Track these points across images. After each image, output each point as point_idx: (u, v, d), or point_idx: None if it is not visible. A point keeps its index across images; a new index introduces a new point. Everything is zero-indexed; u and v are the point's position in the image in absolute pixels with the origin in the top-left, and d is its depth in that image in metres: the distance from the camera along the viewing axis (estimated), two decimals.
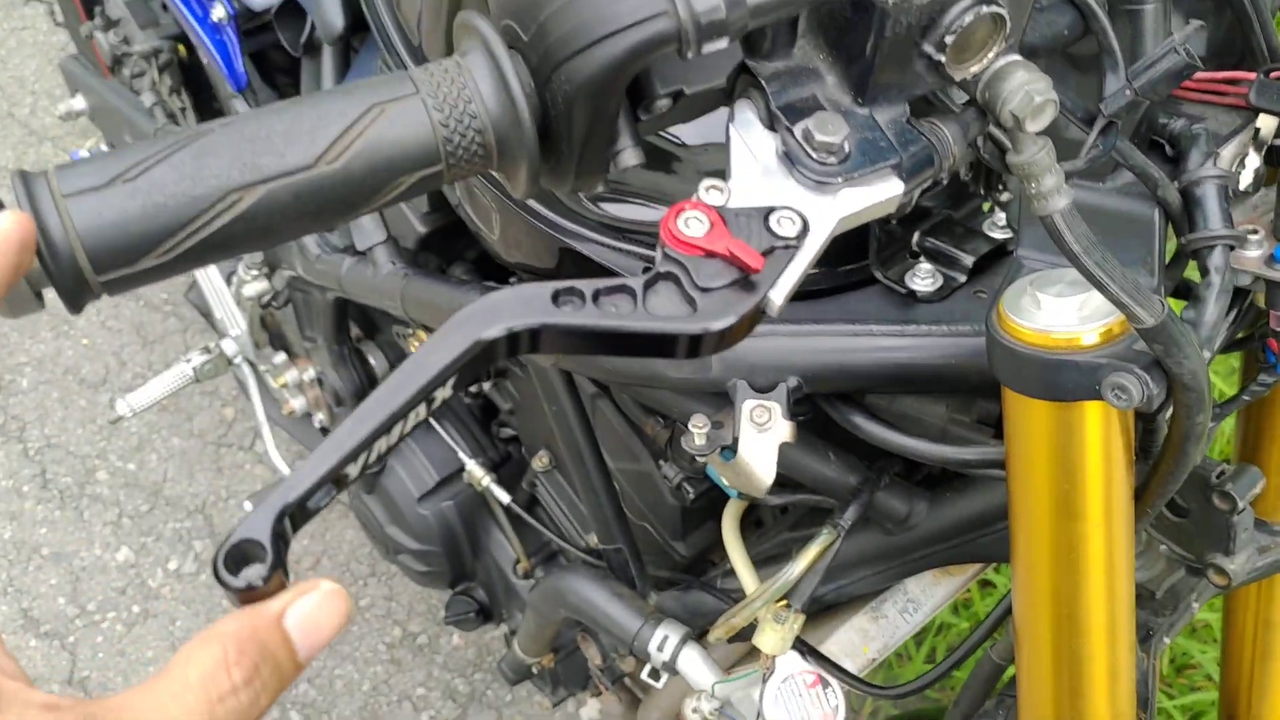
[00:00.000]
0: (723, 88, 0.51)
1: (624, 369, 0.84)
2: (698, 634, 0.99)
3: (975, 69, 0.50)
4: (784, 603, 0.87)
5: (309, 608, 0.42)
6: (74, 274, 0.44)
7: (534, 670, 1.40)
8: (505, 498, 1.29)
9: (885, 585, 0.99)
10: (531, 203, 0.84)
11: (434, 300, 1.03)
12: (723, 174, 0.50)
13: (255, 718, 0.40)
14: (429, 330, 1.21)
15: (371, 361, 1.44)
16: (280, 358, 1.57)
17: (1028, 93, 0.48)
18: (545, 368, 1.00)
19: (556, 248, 0.85)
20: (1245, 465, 0.72)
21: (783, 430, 0.73)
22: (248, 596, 0.41)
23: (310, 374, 1.52)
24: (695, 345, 0.47)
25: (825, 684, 0.88)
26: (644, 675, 1.05)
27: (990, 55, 0.49)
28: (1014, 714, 0.74)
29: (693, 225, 0.47)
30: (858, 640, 1.02)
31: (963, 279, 0.76)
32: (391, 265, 1.09)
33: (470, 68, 0.47)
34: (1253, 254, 0.64)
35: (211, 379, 1.64)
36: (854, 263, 0.78)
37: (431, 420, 1.35)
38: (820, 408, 0.80)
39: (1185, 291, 0.73)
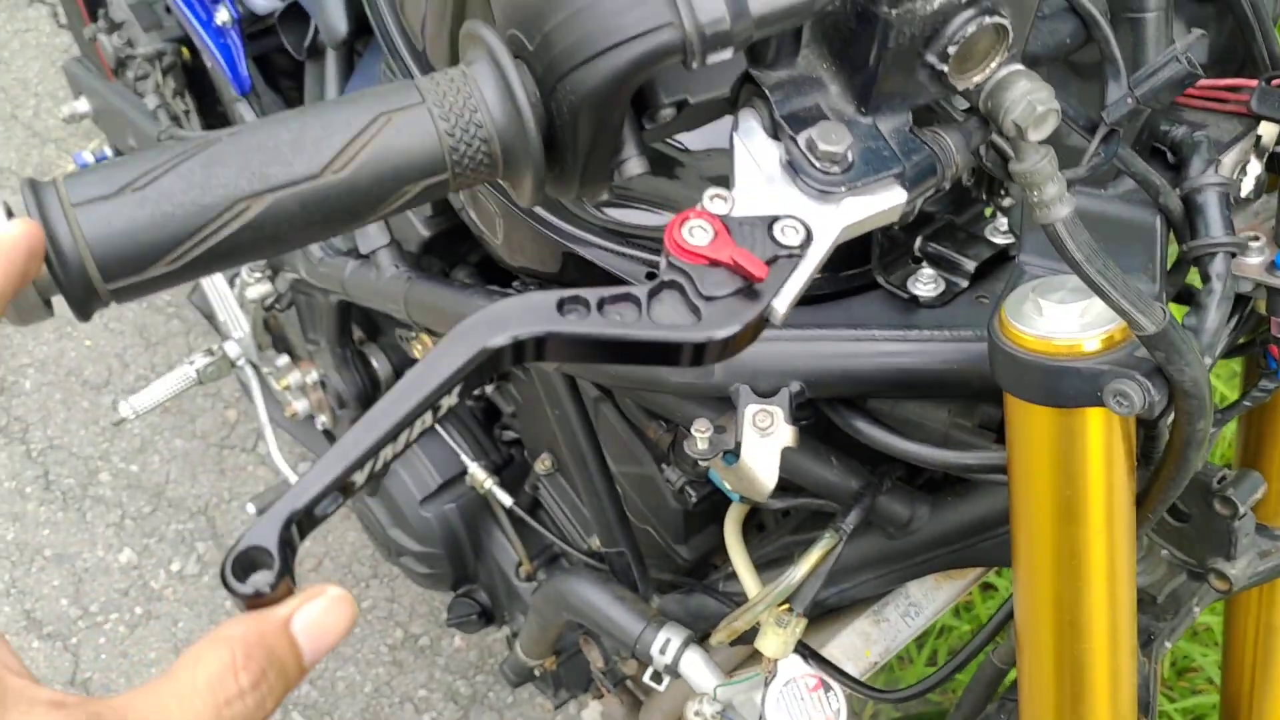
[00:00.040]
0: (727, 97, 0.51)
1: (627, 373, 0.85)
2: (700, 637, 0.99)
3: (978, 78, 0.50)
4: (786, 606, 0.87)
5: (315, 613, 0.42)
6: (83, 282, 0.44)
7: (536, 672, 1.41)
8: (508, 500, 1.29)
9: (887, 589, 1.00)
10: (535, 208, 0.84)
11: (437, 304, 1.04)
12: (725, 180, 0.51)
13: None
14: (432, 333, 1.21)
15: (374, 364, 1.44)
16: (283, 360, 1.57)
17: (1030, 102, 0.49)
18: (548, 371, 1.01)
19: (559, 252, 0.85)
20: (1246, 470, 0.72)
21: (785, 435, 0.73)
22: (255, 602, 0.41)
23: (313, 376, 1.52)
24: (699, 354, 0.47)
25: (827, 687, 0.88)
26: (646, 678, 1.05)
27: (993, 65, 0.50)
28: (1015, 718, 0.75)
29: (697, 234, 0.48)
30: (859, 644, 1.02)
31: (965, 284, 0.76)
32: (395, 269, 1.09)
33: (476, 77, 0.48)
34: (1254, 261, 0.64)
35: (214, 381, 1.64)
36: (856, 268, 0.78)
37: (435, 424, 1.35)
38: (822, 412, 0.80)
39: (1186, 297, 0.73)
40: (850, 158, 0.49)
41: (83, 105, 1.87)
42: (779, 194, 0.49)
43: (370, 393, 1.45)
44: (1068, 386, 0.58)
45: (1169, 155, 0.65)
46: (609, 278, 0.82)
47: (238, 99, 1.34)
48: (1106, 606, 0.66)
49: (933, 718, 1.55)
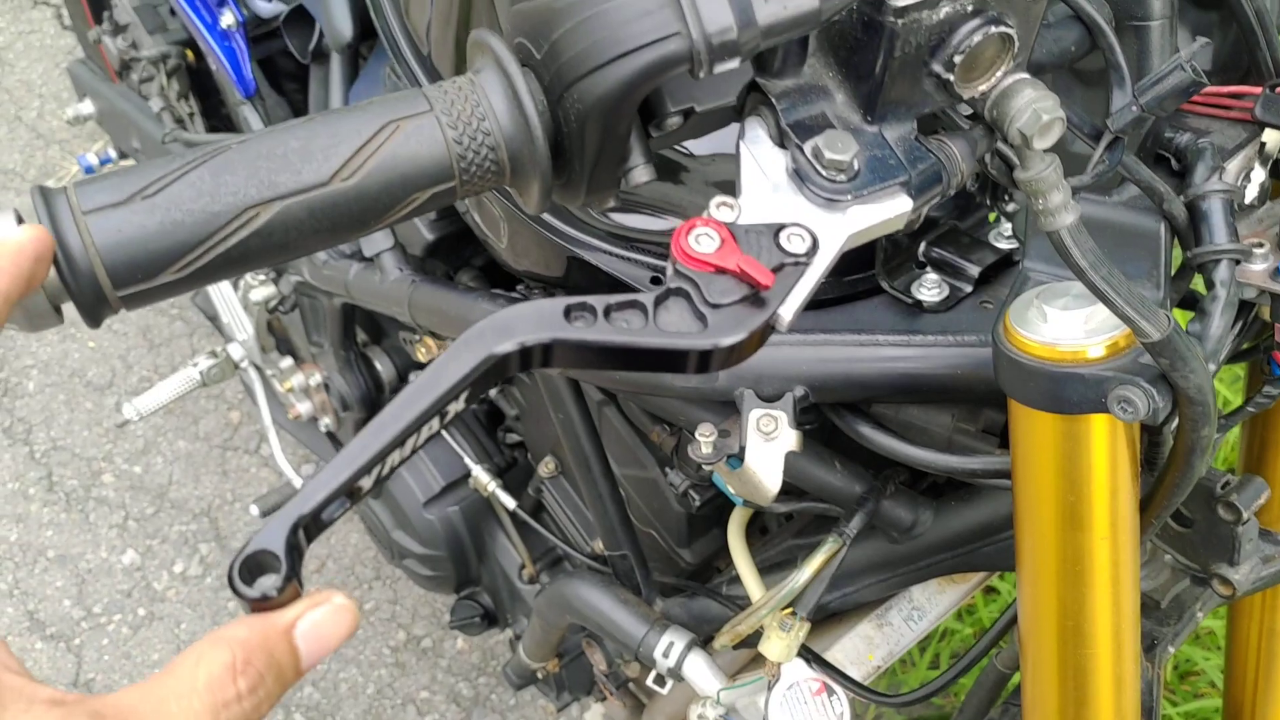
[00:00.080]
0: (733, 105, 0.52)
1: (631, 378, 0.85)
2: (703, 640, 1.00)
3: (984, 87, 0.50)
4: (789, 610, 0.87)
5: (318, 619, 0.42)
6: (93, 289, 0.45)
7: (539, 675, 1.41)
8: (511, 503, 1.30)
9: (890, 593, 1.00)
10: None
11: (441, 307, 1.04)
12: (729, 185, 0.51)
13: None
14: (436, 336, 1.21)
15: (378, 366, 1.45)
16: (286, 362, 1.58)
17: (1035, 111, 0.49)
18: (552, 375, 1.01)
19: (564, 256, 0.86)
20: (1250, 476, 0.72)
21: (789, 439, 0.73)
22: (261, 605, 0.41)
23: (316, 379, 1.52)
24: (705, 361, 0.47)
25: (830, 691, 0.88)
26: (649, 681, 1.05)
27: (998, 74, 0.50)
28: None
29: (703, 242, 0.48)
30: (863, 647, 1.03)
31: (969, 289, 0.76)
32: (399, 271, 1.09)
33: (484, 85, 0.48)
34: (1258, 268, 0.64)
35: (218, 383, 1.65)
36: (860, 273, 0.78)
37: None
38: (826, 417, 0.80)
39: (1191, 304, 0.73)
40: (856, 166, 0.49)
41: (87, 107, 1.88)
42: (785, 202, 0.50)
43: (373, 395, 1.45)
44: (1072, 393, 0.58)
45: (1173, 162, 0.65)
46: (613, 282, 0.83)
47: (242, 102, 1.35)
48: (1110, 611, 0.66)
49: None
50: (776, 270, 0.48)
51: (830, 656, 1.00)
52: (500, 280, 1.08)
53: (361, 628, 1.85)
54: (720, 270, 0.47)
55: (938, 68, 0.49)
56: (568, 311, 0.47)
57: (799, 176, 0.49)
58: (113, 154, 1.89)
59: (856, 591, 0.95)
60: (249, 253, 0.46)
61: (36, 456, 2.05)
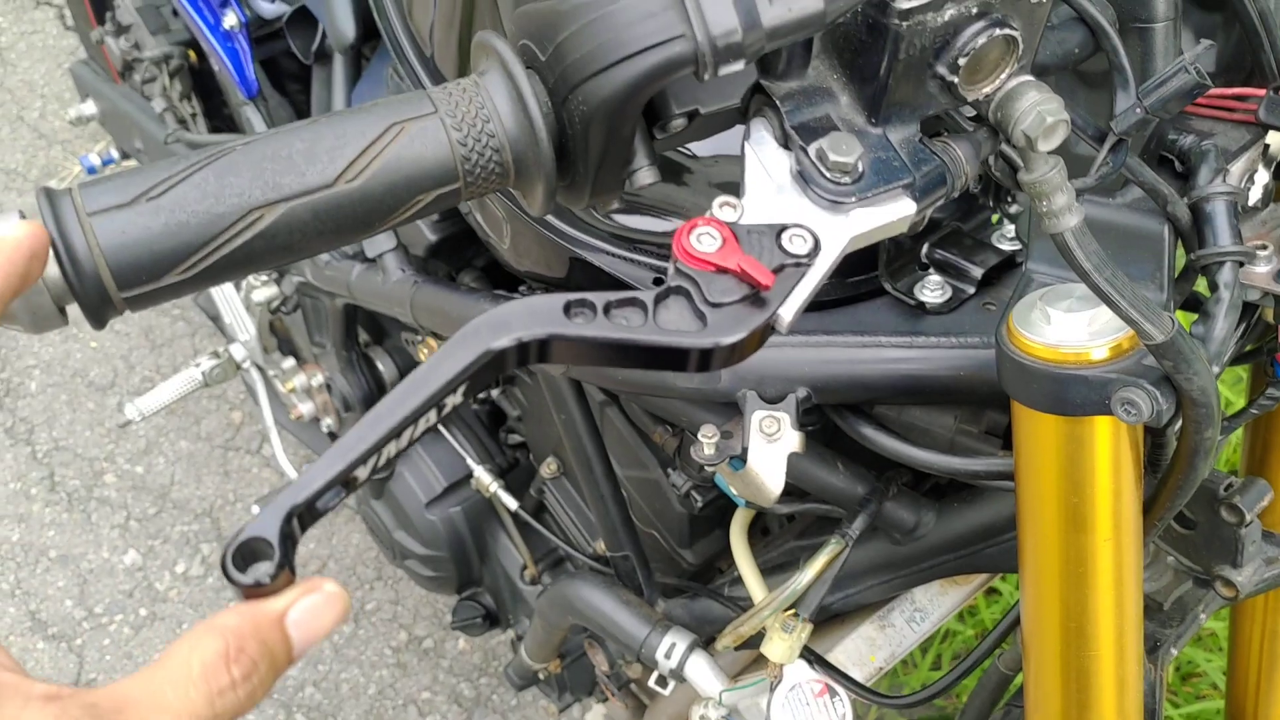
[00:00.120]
0: (738, 107, 0.52)
1: (633, 378, 0.85)
2: (705, 642, 1.00)
3: (988, 89, 0.50)
4: (792, 611, 0.87)
5: (309, 606, 0.42)
6: (98, 290, 0.45)
7: (540, 676, 1.41)
8: (513, 504, 1.30)
9: (892, 594, 1.00)
10: None
11: (443, 307, 1.04)
12: (732, 186, 0.51)
13: (247, 710, 0.41)
14: (438, 337, 1.21)
15: (380, 367, 1.45)
16: (289, 363, 1.58)
17: (1040, 113, 0.49)
18: (554, 375, 1.01)
19: (566, 257, 0.86)
20: (1253, 478, 0.72)
21: (791, 440, 0.73)
22: (253, 593, 0.41)
23: (318, 379, 1.52)
24: (705, 360, 0.47)
25: (832, 693, 0.88)
26: (651, 682, 1.05)
27: (1002, 76, 0.50)
28: None
29: (705, 241, 0.48)
30: (865, 649, 1.03)
31: (971, 291, 0.76)
32: (401, 272, 1.09)
33: (488, 87, 0.48)
34: (1261, 270, 0.64)
35: (220, 383, 1.65)
36: (863, 274, 0.78)
37: (440, 426, 1.35)
38: (829, 418, 0.80)
39: (1194, 306, 0.73)
40: (860, 168, 0.49)
41: (89, 108, 1.88)
42: (789, 203, 0.50)
43: (375, 396, 1.45)
44: (1075, 395, 0.58)
45: (1177, 164, 0.65)
46: (616, 283, 0.83)
47: (245, 103, 1.35)
48: (1113, 613, 0.66)
49: None
50: (777, 271, 0.48)
51: (832, 658, 1.00)
52: (503, 281, 1.08)
53: (363, 628, 1.85)
54: (721, 270, 0.48)
55: (942, 70, 0.49)
56: (567, 308, 0.47)
57: (803, 178, 0.49)
58: (115, 155, 1.89)
59: (859, 593, 0.95)
60: (253, 254, 0.46)
61: (39, 456, 2.06)
